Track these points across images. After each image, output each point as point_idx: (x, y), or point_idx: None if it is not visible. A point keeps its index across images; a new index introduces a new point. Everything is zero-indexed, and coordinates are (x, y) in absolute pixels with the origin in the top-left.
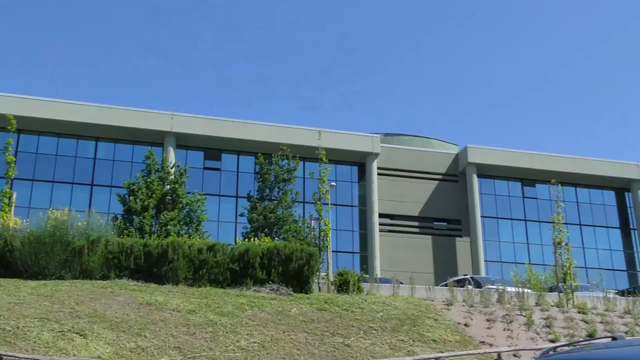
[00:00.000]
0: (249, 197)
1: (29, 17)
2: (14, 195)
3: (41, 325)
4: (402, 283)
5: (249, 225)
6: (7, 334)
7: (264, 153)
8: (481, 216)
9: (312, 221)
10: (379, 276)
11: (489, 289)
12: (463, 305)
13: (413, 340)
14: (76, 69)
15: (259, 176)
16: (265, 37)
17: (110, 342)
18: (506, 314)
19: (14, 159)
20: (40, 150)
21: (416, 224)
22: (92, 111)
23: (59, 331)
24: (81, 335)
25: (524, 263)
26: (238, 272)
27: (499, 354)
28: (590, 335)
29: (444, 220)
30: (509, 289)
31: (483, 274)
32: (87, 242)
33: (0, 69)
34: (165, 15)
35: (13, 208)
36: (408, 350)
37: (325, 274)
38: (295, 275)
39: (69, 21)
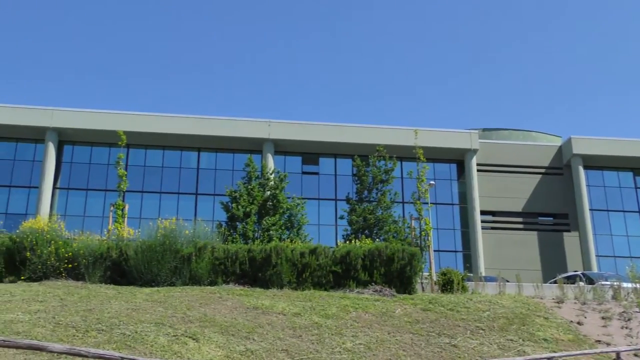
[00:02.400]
0: (347, 200)
1: (123, 34)
2: (127, 207)
3: (157, 330)
4: (508, 281)
5: (349, 228)
6: (126, 338)
7: (361, 155)
8: (590, 209)
9: (412, 221)
10: (483, 275)
11: (603, 285)
12: (575, 303)
13: (523, 340)
14: (173, 82)
15: (356, 178)
16: (353, 38)
17: (221, 346)
18: (623, 312)
19: (125, 173)
20: (147, 163)
21: (520, 219)
22: (194, 123)
23: (173, 335)
24: (194, 339)
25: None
26: (340, 274)
27: (617, 353)
28: None
29: (550, 215)
30: (624, 284)
31: (595, 269)
32: (194, 249)
33: (104, 87)
34: (248, 24)
35: (126, 219)
36: (518, 350)
37: (427, 273)
38: (397, 276)
39: (160, 35)
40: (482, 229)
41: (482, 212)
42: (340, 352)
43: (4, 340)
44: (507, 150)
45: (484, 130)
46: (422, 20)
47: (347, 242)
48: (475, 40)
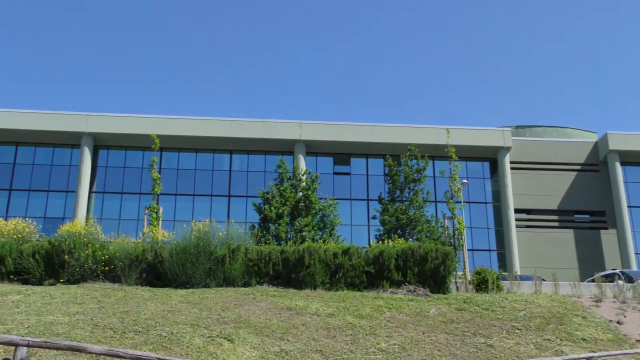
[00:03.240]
0: (380, 199)
1: (155, 37)
2: (161, 210)
3: (192, 331)
4: (543, 280)
5: (381, 228)
6: (163, 339)
7: (392, 154)
8: (628, 206)
9: (445, 220)
10: (518, 273)
11: None
12: (614, 302)
13: (560, 340)
14: (204, 85)
15: (388, 178)
16: (383, 37)
17: (256, 347)
18: None
19: (159, 176)
20: (181, 166)
21: (555, 217)
22: (225, 125)
23: (209, 336)
24: (229, 340)
25: None
26: (374, 274)
27: None
28: None
29: (586, 213)
30: None
31: (634, 267)
32: (228, 251)
33: (136, 91)
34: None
35: (160, 222)
36: (556, 350)
37: (462, 273)
38: (431, 275)
39: (191, 38)
40: (517, 227)
41: (517, 210)
42: (374, 352)
43: (45, 342)
44: (542, 147)
45: (517, 127)
46: (453, 18)
47: (380, 242)
48: (508, 37)
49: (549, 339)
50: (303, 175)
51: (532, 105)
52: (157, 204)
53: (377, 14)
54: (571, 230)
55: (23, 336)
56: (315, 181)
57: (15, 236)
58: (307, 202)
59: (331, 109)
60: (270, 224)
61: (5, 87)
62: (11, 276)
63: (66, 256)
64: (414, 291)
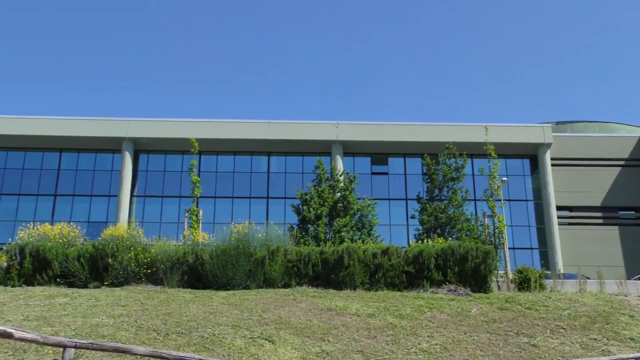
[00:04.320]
0: (418, 199)
1: (191, 41)
2: (201, 212)
3: (234, 332)
4: (588, 278)
5: (420, 227)
6: (205, 341)
7: (430, 153)
8: None
9: (485, 219)
10: (562, 272)
11: None
12: None
13: (607, 339)
14: (240, 87)
15: (426, 177)
16: (420, 35)
17: (297, 347)
18: None
19: (198, 179)
20: (219, 169)
21: (599, 214)
22: (263, 127)
23: (250, 338)
24: (270, 341)
25: None
26: (413, 274)
27: None
28: None
29: (632, 209)
30: None
31: None
32: (267, 252)
33: (174, 95)
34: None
35: (200, 224)
36: (603, 350)
37: (503, 272)
38: (472, 274)
39: (227, 41)
40: (559, 224)
41: (558, 208)
42: (416, 352)
43: (92, 343)
44: (583, 143)
45: (558, 123)
46: (491, 15)
47: (419, 241)
48: (547, 33)
49: (595, 339)
50: (341, 175)
51: (572, 101)
52: (197, 206)
53: (412, 10)
54: (616, 227)
55: (71, 338)
56: (353, 181)
57: (60, 240)
58: (345, 202)
59: (367, 109)
60: (308, 225)
61: (47, 94)
62: (58, 279)
63: (110, 259)
64: (455, 291)
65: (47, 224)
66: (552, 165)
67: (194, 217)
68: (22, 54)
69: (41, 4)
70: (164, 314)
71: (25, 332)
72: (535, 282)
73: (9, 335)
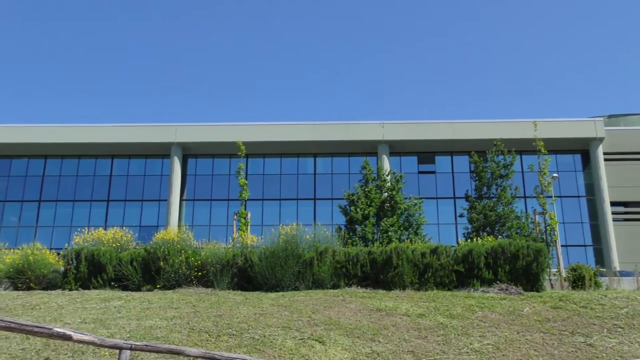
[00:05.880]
0: (466, 197)
1: (236, 45)
2: (249, 215)
3: (284, 334)
4: None
5: (469, 226)
6: (256, 342)
7: (478, 151)
8: None
9: (536, 216)
10: (617, 269)
11: None
12: None
13: None
14: (283, 90)
15: (474, 175)
16: (469, 33)
17: (347, 348)
18: None
19: (246, 182)
20: (266, 171)
21: None
22: (308, 129)
23: (300, 339)
24: (320, 342)
25: None
26: (463, 273)
27: None
28: None
29: None
30: None
31: None
32: (316, 253)
33: (220, 99)
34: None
35: (249, 227)
36: None
37: (556, 270)
38: (523, 273)
39: (270, 45)
40: (614, 221)
41: (613, 204)
42: (467, 352)
43: (146, 345)
44: (637, 136)
45: (610, 117)
46: (536, 8)
47: (469, 240)
48: (598, 28)
49: None
50: (387, 175)
51: (625, 94)
52: (245, 209)
53: (458, 10)
54: None
55: (126, 340)
56: (400, 181)
57: (114, 245)
58: (392, 202)
59: (413, 108)
60: (356, 226)
61: (98, 103)
62: (112, 283)
63: (161, 263)
64: (506, 289)
65: (100, 229)
66: (605, 160)
67: (243, 220)
68: (75, 65)
69: (91, 16)
70: (215, 316)
71: (83, 334)
72: (590, 280)
73: (68, 338)
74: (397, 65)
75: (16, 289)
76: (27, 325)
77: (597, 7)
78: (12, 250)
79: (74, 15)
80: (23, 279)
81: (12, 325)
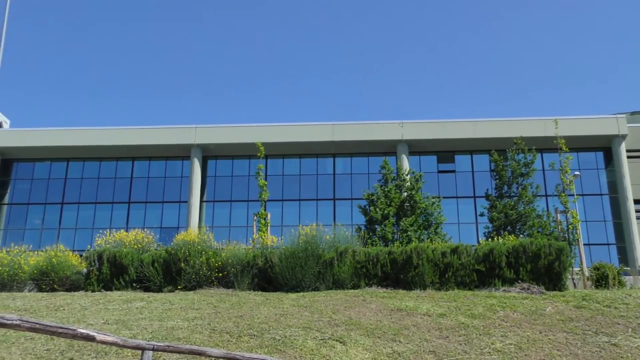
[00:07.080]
0: (487, 196)
1: (256, 46)
2: (269, 216)
3: (304, 334)
4: None
5: (490, 225)
6: (277, 342)
7: (498, 149)
8: None
9: (558, 214)
10: None
11: None
12: None
13: None
14: (301, 90)
15: (495, 173)
16: (487, 31)
17: (368, 348)
18: None
19: (266, 183)
20: (286, 172)
21: None
22: (327, 129)
23: (321, 339)
24: (341, 343)
25: None
26: (484, 272)
27: None
28: None
29: None
30: None
31: None
32: (336, 253)
33: (240, 99)
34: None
35: (269, 227)
36: None
37: (578, 269)
38: (545, 272)
39: (291, 45)
40: (638, 219)
41: (637, 202)
42: (489, 352)
43: (168, 346)
44: None
45: (633, 113)
46: (558, 7)
47: (489, 239)
48: (619, 23)
49: None
50: (407, 175)
51: None
52: (265, 210)
53: (480, 10)
54: None
55: (148, 340)
56: (420, 180)
57: (135, 246)
58: (412, 202)
59: (432, 107)
60: (376, 225)
61: (117, 105)
62: (134, 284)
63: (182, 264)
64: (528, 289)
65: (122, 230)
66: (628, 157)
67: (262, 221)
68: (97, 68)
69: (106, 16)
70: (236, 317)
71: (106, 335)
72: (614, 279)
73: (91, 339)
74: (416, 63)
75: (40, 290)
76: (51, 326)
77: (618, 3)
78: (36, 252)
79: (96, 17)
80: (47, 280)
81: (37, 326)
